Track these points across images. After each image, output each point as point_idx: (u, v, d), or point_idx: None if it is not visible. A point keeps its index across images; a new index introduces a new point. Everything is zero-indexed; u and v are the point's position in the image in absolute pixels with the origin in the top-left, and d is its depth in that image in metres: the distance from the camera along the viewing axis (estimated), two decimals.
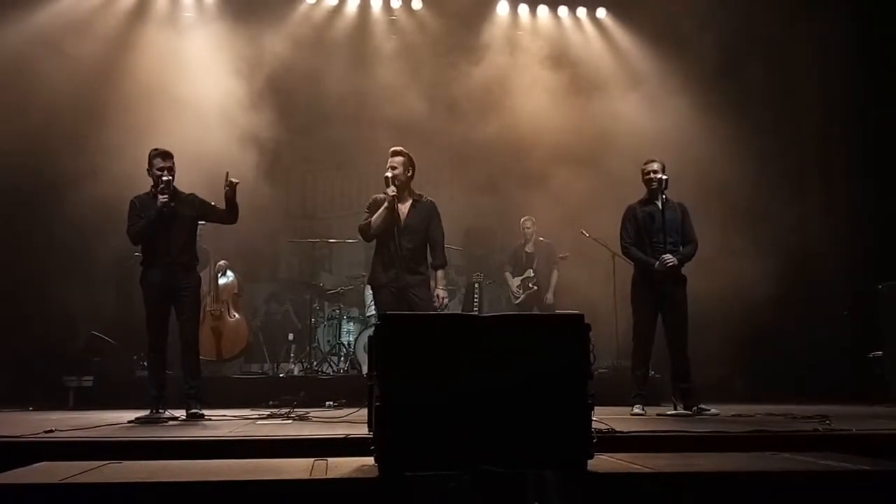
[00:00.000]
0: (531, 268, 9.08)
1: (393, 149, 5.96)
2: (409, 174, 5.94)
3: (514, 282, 9.17)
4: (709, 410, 5.89)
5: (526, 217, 9.17)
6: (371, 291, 6.15)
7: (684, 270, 6.26)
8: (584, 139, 9.00)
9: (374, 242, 6.05)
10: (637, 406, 6.06)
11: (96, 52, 8.53)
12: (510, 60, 9.59)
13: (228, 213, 5.90)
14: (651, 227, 6.25)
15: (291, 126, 9.04)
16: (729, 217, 8.47)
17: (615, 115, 9.11)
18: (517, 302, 9.09)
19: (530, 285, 9.04)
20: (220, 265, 8.22)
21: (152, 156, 5.76)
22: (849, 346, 8.54)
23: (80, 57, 8.32)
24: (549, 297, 9.07)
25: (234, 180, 5.73)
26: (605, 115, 9.10)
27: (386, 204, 5.80)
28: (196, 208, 5.94)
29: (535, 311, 8.63)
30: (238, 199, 5.80)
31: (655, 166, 6.28)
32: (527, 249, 9.21)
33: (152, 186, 5.78)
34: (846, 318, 8.84)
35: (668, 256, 6.11)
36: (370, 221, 5.87)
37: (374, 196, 6.07)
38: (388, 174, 5.83)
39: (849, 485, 2.95)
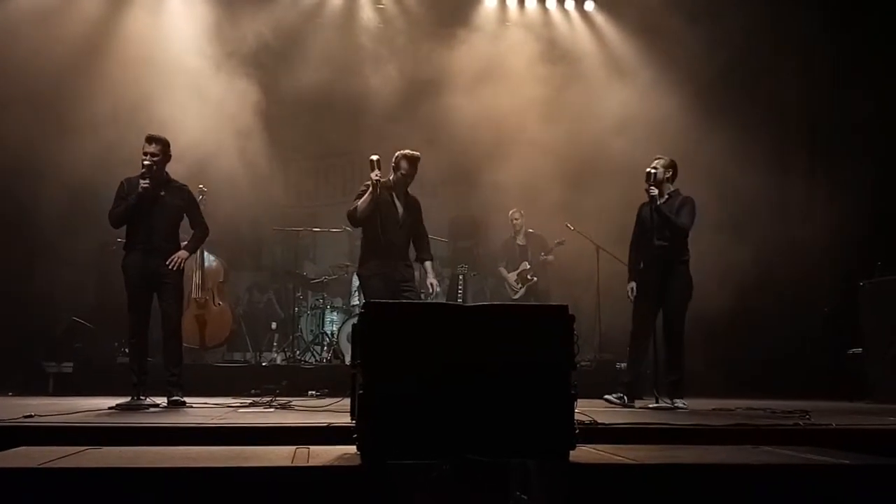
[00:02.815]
0: (526, 260, 9.03)
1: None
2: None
3: (511, 276, 9.12)
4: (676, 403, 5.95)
5: (514, 209, 9.12)
6: (357, 281, 6.16)
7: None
8: (568, 131, 8.99)
9: (359, 232, 6.09)
10: (616, 395, 6.12)
11: (77, 35, 8.40)
12: (496, 52, 9.55)
13: (197, 227, 6.02)
14: (647, 225, 6.27)
15: (275, 114, 8.97)
16: (710, 210, 8.47)
17: (601, 106, 9.10)
18: (517, 297, 9.02)
19: (529, 277, 8.97)
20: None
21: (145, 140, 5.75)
22: (828, 343, 8.61)
23: (61, 41, 8.20)
24: (551, 257, 8.99)
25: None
26: (591, 107, 9.09)
27: (370, 189, 5.86)
28: (184, 200, 5.92)
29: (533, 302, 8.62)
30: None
31: (648, 167, 6.23)
32: (518, 242, 9.15)
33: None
34: (826, 315, 8.92)
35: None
36: (357, 206, 5.94)
37: (366, 182, 6.10)
38: (374, 157, 5.88)
39: (829, 478, 2.97)
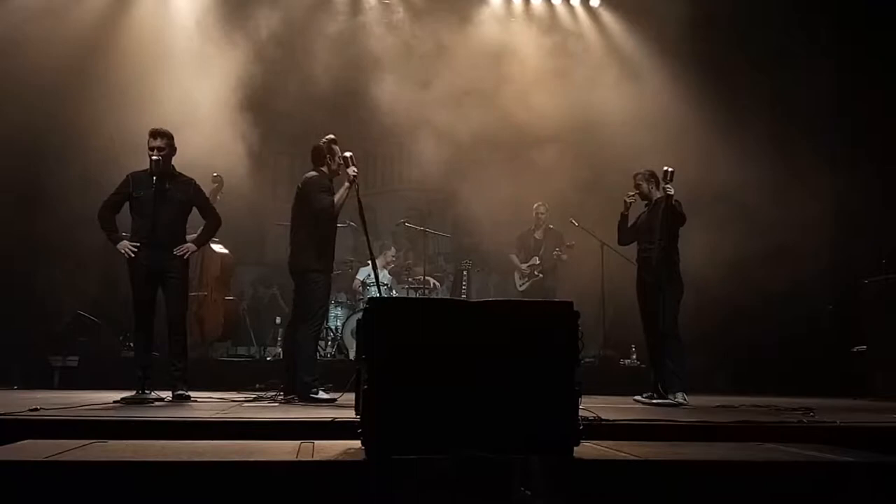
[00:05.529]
0: (538, 255, 9.01)
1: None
2: None
3: (522, 266, 9.05)
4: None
5: (539, 203, 9.04)
6: (322, 277, 5.94)
7: None
8: (574, 128, 8.98)
9: (327, 228, 5.96)
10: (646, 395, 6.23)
11: (82, 30, 8.40)
12: (500, 47, 9.53)
13: (208, 219, 5.97)
14: (646, 228, 6.47)
15: (278, 108, 8.96)
16: (712, 208, 8.47)
17: (607, 104, 9.08)
18: (522, 289, 9.01)
19: (536, 273, 8.95)
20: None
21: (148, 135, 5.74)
22: (832, 341, 8.59)
23: (66, 37, 8.20)
24: (564, 256, 8.92)
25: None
26: (597, 104, 9.07)
27: (351, 186, 5.75)
28: (189, 194, 5.86)
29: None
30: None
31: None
32: (536, 236, 9.09)
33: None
34: (830, 313, 8.90)
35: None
36: (336, 201, 5.79)
37: (324, 169, 5.95)
38: (348, 154, 5.80)
39: (833, 475, 2.98)
